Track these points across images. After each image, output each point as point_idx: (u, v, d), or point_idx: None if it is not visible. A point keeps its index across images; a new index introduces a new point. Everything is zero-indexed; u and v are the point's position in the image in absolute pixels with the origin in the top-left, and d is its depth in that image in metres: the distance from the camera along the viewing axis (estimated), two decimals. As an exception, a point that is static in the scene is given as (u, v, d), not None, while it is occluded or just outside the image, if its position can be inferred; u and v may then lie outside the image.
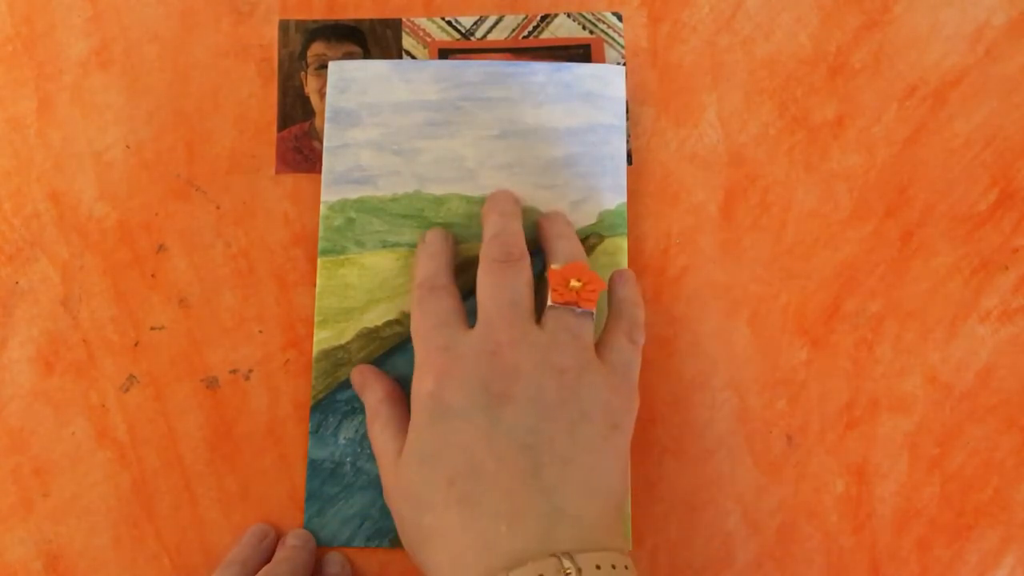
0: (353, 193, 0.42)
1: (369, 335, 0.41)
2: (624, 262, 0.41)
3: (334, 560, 0.39)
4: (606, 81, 0.42)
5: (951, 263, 0.42)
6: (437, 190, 0.42)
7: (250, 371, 0.41)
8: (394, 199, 0.42)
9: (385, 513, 0.39)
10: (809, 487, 0.40)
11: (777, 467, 0.40)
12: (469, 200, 0.42)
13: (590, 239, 0.41)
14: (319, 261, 0.41)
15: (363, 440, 0.40)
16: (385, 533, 0.39)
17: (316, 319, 0.41)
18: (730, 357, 0.41)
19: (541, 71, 0.42)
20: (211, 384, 0.41)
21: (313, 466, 0.40)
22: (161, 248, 0.42)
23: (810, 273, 0.42)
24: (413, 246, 0.41)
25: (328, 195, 0.42)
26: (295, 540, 0.39)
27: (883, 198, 0.42)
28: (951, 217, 0.42)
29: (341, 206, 0.41)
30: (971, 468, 0.40)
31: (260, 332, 0.41)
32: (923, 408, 0.41)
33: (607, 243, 0.41)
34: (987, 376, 0.41)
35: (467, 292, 0.40)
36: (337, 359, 0.40)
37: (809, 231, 0.42)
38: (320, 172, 0.42)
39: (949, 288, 0.41)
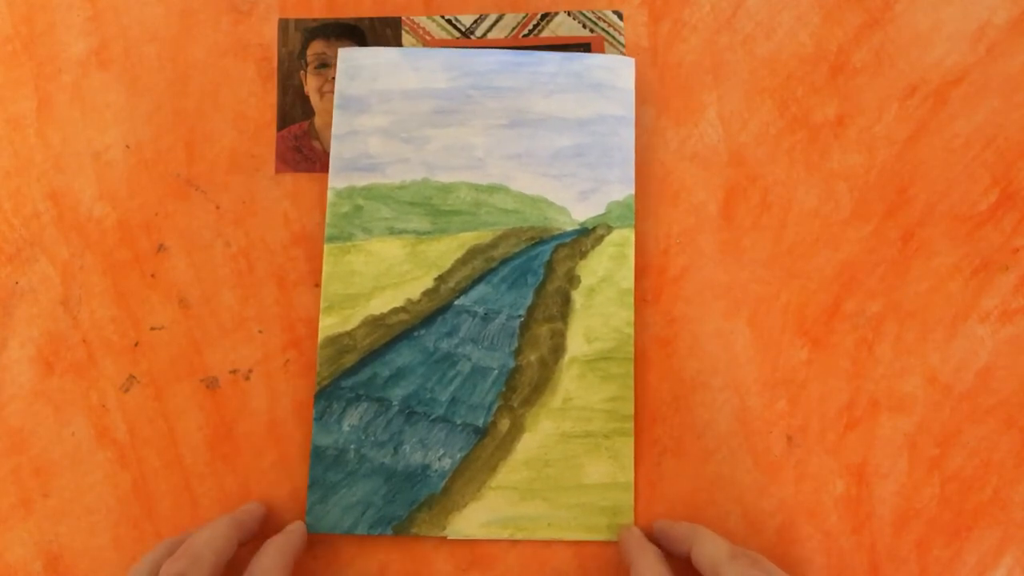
0: (361, 180, 0.42)
1: (375, 322, 0.41)
2: (631, 253, 0.41)
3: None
4: (616, 72, 0.42)
5: (951, 263, 0.42)
6: (445, 178, 0.42)
7: (250, 371, 0.41)
8: (402, 186, 0.42)
9: (388, 500, 0.39)
10: (809, 487, 0.40)
11: (777, 467, 0.40)
12: (477, 188, 0.42)
13: (598, 230, 0.41)
14: (325, 247, 0.41)
15: (367, 427, 0.40)
16: (388, 521, 0.39)
17: (322, 305, 0.41)
18: (730, 357, 0.41)
19: (551, 61, 0.42)
20: (211, 384, 0.41)
21: (316, 453, 0.39)
22: (161, 248, 0.42)
23: (810, 273, 0.42)
24: (420, 233, 0.41)
25: (336, 182, 0.42)
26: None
27: (883, 198, 0.42)
28: (952, 217, 0.42)
29: (348, 193, 0.41)
30: (970, 468, 0.40)
31: (260, 332, 0.41)
32: (923, 408, 0.40)
33: (615, 234, 0.41)
34: (987, 376, 0.41)
35: (470, 284, 0.41)
36: (342, 346, 0.40)
37: (809, 231, 0.42)
38: (320, 171, 0.42)
39: (949, 288, 0.41)
